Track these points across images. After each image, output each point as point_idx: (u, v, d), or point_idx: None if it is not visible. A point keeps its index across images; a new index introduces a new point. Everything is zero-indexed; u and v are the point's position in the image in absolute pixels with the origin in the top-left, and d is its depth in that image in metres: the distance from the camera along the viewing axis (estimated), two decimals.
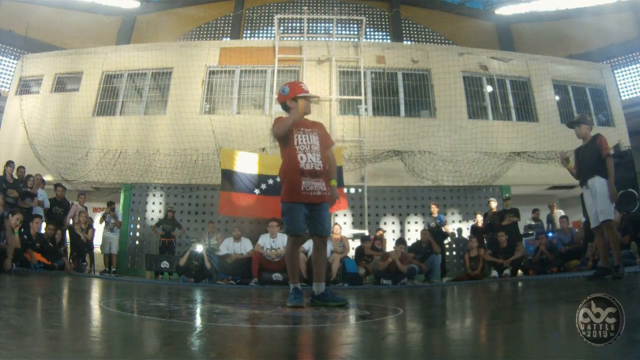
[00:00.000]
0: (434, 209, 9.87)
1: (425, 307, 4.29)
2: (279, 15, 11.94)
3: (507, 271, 8.61)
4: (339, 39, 12.35)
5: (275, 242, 8.42)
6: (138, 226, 10.92)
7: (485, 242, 9.73)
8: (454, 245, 10.86)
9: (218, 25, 17.83)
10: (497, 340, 2.32)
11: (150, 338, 2.28)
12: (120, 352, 1.87)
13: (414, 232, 10.77)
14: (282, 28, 12.38)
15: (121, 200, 11.09)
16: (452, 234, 10.48)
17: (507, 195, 10.59)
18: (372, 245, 9.28)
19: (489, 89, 12.11)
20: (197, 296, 5.26)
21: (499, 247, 8.92)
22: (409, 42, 17.06)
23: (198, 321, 2.98)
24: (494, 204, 9.90)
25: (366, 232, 10.30)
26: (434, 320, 3.27)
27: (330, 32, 13.19)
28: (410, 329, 2.82)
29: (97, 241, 10.31)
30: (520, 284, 7.01)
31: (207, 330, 2.53)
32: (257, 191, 9.45)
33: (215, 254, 8.84)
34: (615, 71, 15.45)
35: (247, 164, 9.57)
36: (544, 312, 3.40)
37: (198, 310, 3.66)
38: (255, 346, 2.13)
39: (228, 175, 9.46)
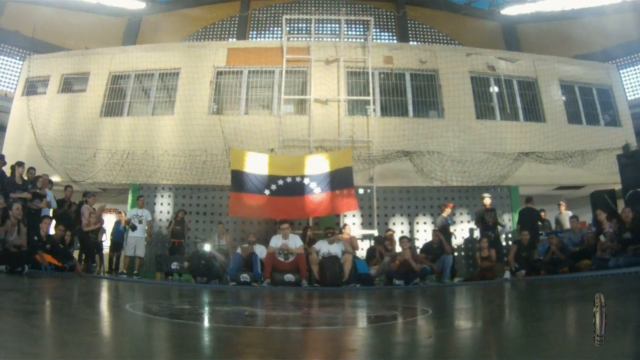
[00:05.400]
0: (448, 210, 9.87)
1: (452, 307, 4.28)
2: (286, 16, 11.90)
3: (522, 271, 8.61)
4: (347, 40, 12.31)
5: (287, 243, 8.39)
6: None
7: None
8: (462, 246, 10.86)
9: (224, 26, 17.80)
10: (546, 337, 2.31)
11: (202, 344, 2.24)
12: None
13: (423, 232, 10.77)
14: (288, 28, 12.33)
15: (129, 201, 11.06)
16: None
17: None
18: (382, 246, 9.28)
19: (494, 89, 12.10)
20: (217, 298, 5.23)
21: (521, 244, 8.91)
22: (415, 43, 17.07)
23: (238, 325, 2.93)
24: (487, 201, 9.92)
25: (375, 232, 10.28)
26: (470, 320, 3.26)
27: (337, 32, 13.18)
28: (450, 329, 2.81)
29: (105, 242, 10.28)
30: (538, 284, 7.00)
31: (255, 334, 2.50)
32: (267, 192, 9.44)
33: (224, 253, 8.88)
34: (621, 71, 15.48)
35: (257, 165, 9.56)
36: (575, 309, 3.39)
37: (230, 314, 3.62)
38: (310, 347, 2.12)
39: (238, 176, 9.44)
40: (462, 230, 10.92)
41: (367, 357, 1.93)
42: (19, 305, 3.24)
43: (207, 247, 8.64)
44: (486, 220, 9.68)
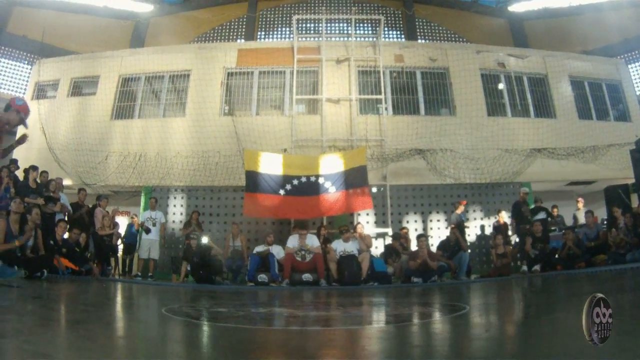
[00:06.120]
0: (462, 207, 9.88)
1: (486, 304, 4.27)
2: (297, 16, 11.87)
3: (537, 267, 8.61)
4: (358, 39, 12.29)
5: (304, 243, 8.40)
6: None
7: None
8: (476, 243, 10.85)
9: (232, 27, 17.80)
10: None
11: (270, 347, 2.22)
12: None
13: (437, 229, 10.78)
14: (297, 28, 12.30)
15: (141, 203, 11.05)
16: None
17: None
18: (399, 243, 9.29)
19: (501, 86, 12.08)
20: (246, 300, 5.21)
21: (535, 236, 8.91)
22: (422, 41, 17.09)
23: (290, 326, 2.90)
24: (525, 196, 10.02)
25: (389, 231, 10.29)
26: (513, 315, 3.26)
27: (345, 32, 13.17)
28: (499, 323, 2.81)
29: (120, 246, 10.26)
30: (558, 279, 7.00)
31: (316, 336, 2.48)
32: (281, 192, 9.43)
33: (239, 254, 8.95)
34: (629, 66, 15.45)
35: (271, 165, 9.55)
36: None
37: (271, 315, 3.59)
38: (380, 344, 2.11)
39: (252, 177, 9.43)
40: (475, 227, 10.91)
41: (444, 353, 1.93)
42: (55, 314, 3.17)
43: (204, 240, 8.71)
44: (523, 213, 9.71)
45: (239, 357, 1.94)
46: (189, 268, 8.99)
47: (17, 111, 4.25)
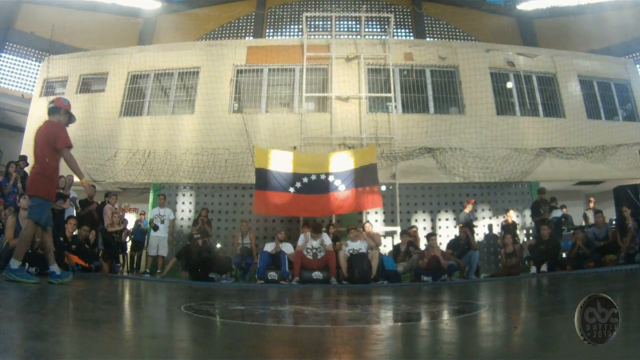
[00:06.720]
0: (470, 206, 9.87)
1: (504, 302, 4.26)
2: (307, 14, 11.87)
3: (544, 267, 8.58)
4: (368, 37, 12.28)
5: (315, 241, 8.39)
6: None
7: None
8: (484, 242, 10.84)
9: (240, 24, 17.82)
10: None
11: (302, 346, 2.21)
12: None
13: (445, 228, 10.77)
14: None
15: (150, 200, 11.07)
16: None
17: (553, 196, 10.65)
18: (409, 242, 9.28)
19: (509, 85, 12.06)
20: (261, 297, 5.20)
21: (542, 239, 8.89)
22: (431, 39, 17.07)
23: (313, 324, 2.91)
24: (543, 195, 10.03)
25: (398, 229, 10.28)
26: (535, 312, 3.26)
27: (354, 29, 13.12)
28: (524, 319, 2.81)
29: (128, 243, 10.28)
30: (568, 279, 6.98)
31: (340, 333, 2.48)
32: (291, 189, 9.42)
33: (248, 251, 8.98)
34: (637, 65, 15.38)
35: (281, 163, 9.54)
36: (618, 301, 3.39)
37: (293, 313, 3.58)
38: (410, 342, 2.11)
39: (262, 174, 9.42)
40: (484, 226, 10.90)
41: (469, 351, 1.94)
42: (75, 313, 3.11)
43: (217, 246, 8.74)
44: (542, 213, 9.72)
45: (275, 356, 1.94)
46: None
47: (66, 111, 4.33)
